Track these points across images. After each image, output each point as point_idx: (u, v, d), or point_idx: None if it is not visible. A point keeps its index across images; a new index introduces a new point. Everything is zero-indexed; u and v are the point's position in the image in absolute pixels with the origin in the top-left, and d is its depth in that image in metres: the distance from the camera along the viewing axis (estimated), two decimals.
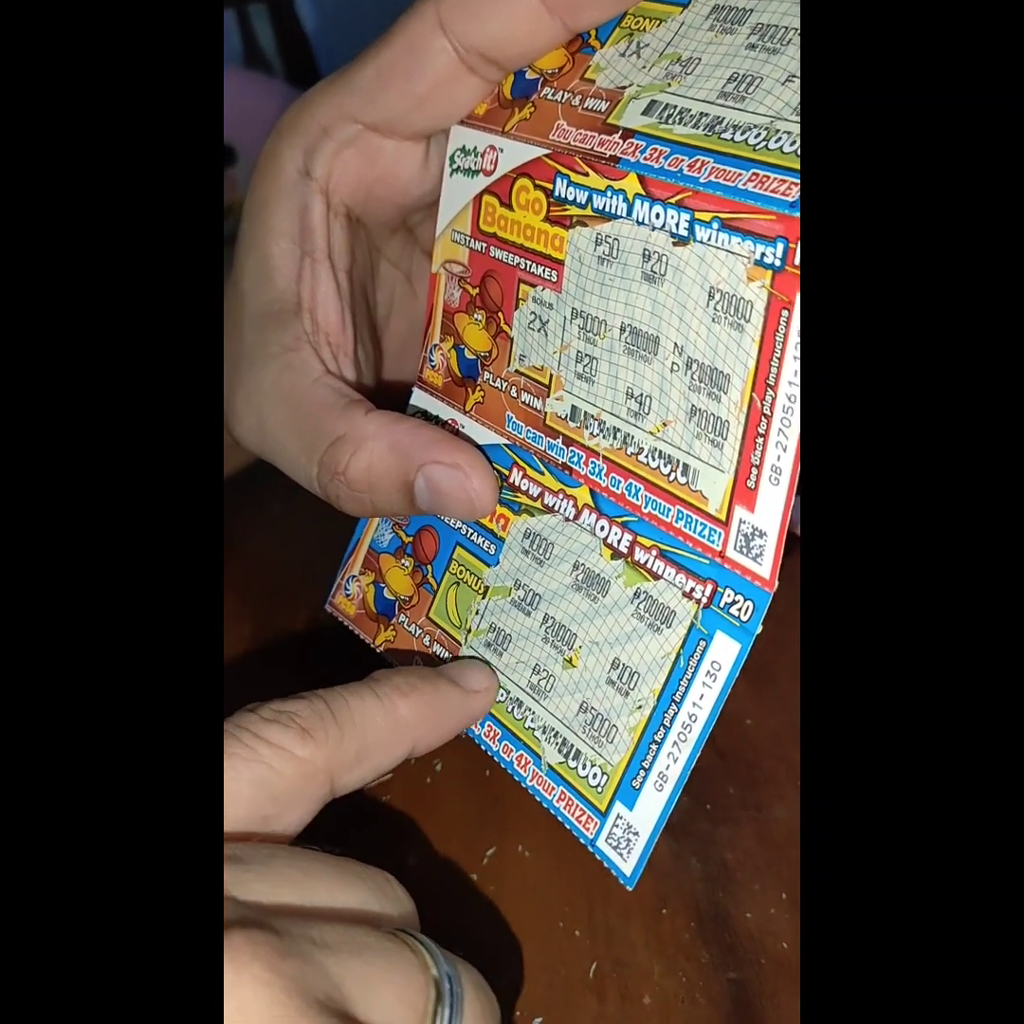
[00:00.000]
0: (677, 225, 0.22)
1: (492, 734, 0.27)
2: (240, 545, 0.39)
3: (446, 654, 0.28)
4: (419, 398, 0.30)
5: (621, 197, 0.23)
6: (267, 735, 0.22)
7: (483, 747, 0.27)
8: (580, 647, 0.25)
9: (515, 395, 0.27)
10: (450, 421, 0.29)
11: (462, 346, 0.28)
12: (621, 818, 0.24)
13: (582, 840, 0.25)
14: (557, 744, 0.25)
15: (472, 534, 0.28)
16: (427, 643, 0.29)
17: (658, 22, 0.24)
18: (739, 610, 0.22)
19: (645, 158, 0.23)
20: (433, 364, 0.29)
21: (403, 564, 0.30)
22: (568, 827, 0.25)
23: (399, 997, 0.18)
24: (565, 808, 0.25)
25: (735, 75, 0.22)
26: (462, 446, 0.26)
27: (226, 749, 0.22)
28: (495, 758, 0.27)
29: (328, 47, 1.03)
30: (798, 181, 0.20)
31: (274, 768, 0.22)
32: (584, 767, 0.25)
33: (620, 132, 0.23)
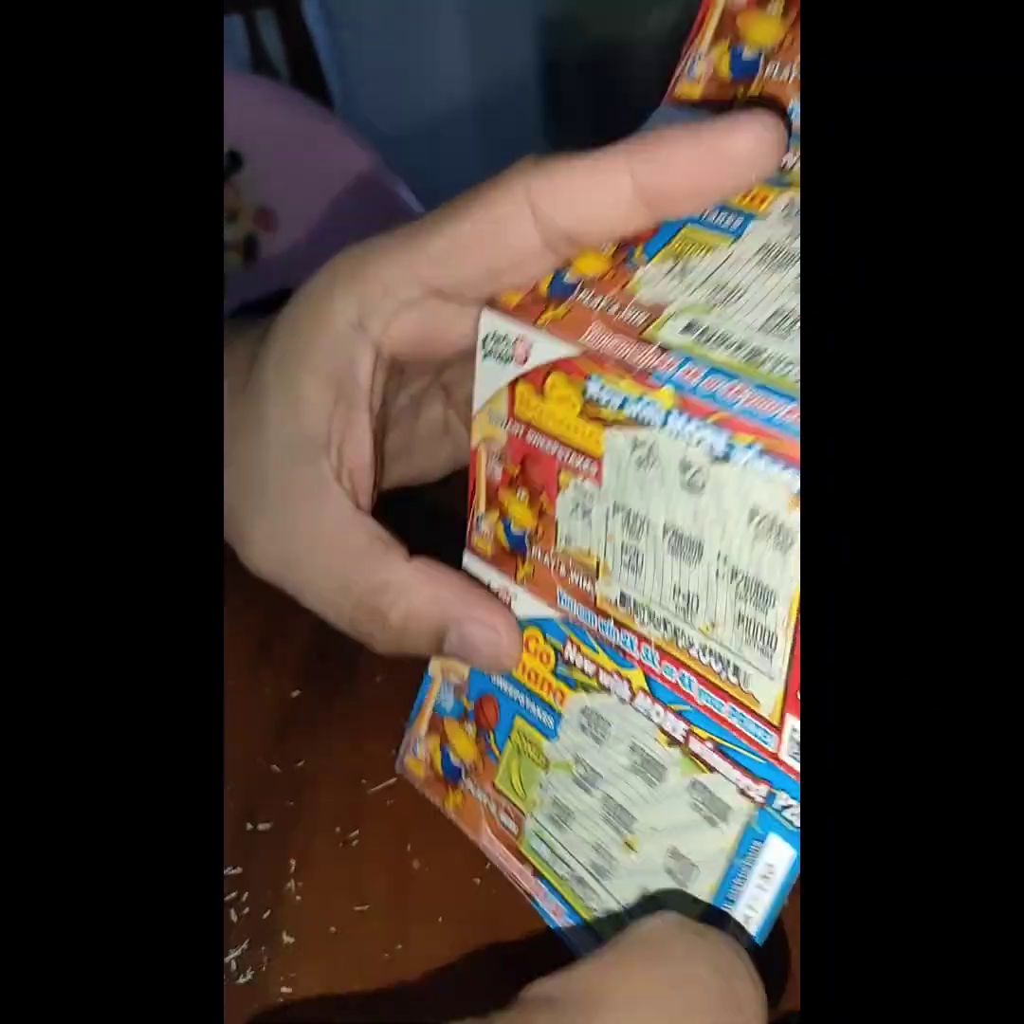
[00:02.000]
0: (714, 445, 0.22)
1: (557, 910, 0.27)
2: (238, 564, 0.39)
3: (512, 824, 0.28)
4: (470, 563, 0.29)
5: (656, 408, 0.23)
6: None
7: (548, 922, 0.27)
8: (639, 832, 0.25)
9: (564, 574, 0.27)
10: (502, 590, 0.28)
11: (508, 520, 0.28)
12: None
13: None
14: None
15: (531, 706, 0.28)
16: (493, 810, 0.29)
17: (707, 250, 0.24)
18: (793, 814, 0.22)
19: (681, 375, 0.22)
20: (481, 532, 0.29)
21: (467, 730, 0.30)
22: None
23: None
24: None
25: (779, 310, 0.22)
26: (498, 606, 0.28)
27: None
28: (559, 936, 0.27)
29: (335, 53, 1.03)
30: None
31: None
32: None
33: (656, 347, 0.23)
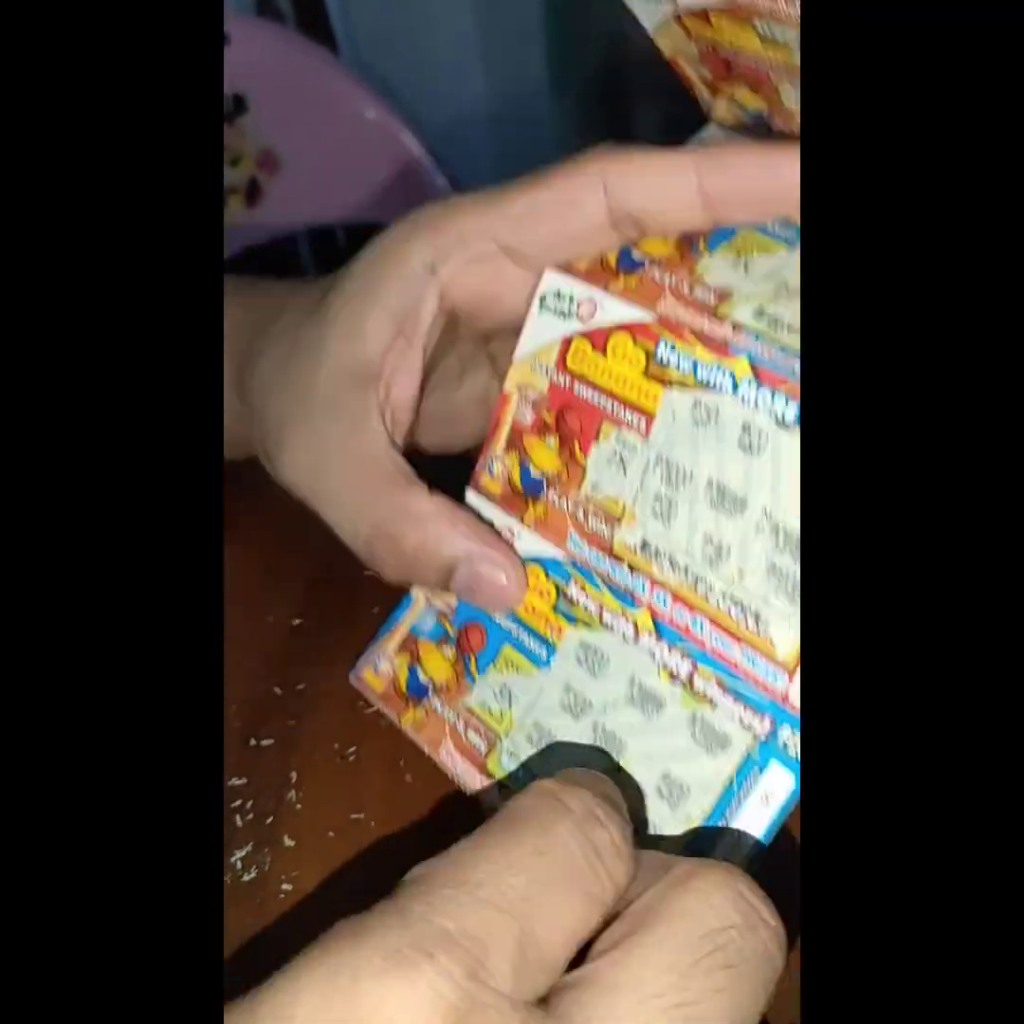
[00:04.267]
0: (782, 414, 0.24)
1: None
2: (247, 497, 0.40)
3: (481, 743, 0.30)
4: (473, 499, 0.31)
5: (729, 375, 0.25)
6: None
7: None
8: (630, 757, 0.27)
9: (582, 518, 0.28)
10: (505, 528, 0.30)
11: (527, 463, 0.30)
12: None
13: None
14: None
15: (523, 636, 0.29)
16: (461, 728, 0.30)
17: (766, 251, 0.26)
18: (796, 747, 0.24)
19: (757, 351, 0.25)
20: (492, 473, 0.31)
21: (445, 652, 0.31)
22: None
23: None
24: None
25: None
26: (508, 548, 0.29)
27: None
28: None
29: None
30: None
31: None
32: None
33: (731, 323, 0.26)
